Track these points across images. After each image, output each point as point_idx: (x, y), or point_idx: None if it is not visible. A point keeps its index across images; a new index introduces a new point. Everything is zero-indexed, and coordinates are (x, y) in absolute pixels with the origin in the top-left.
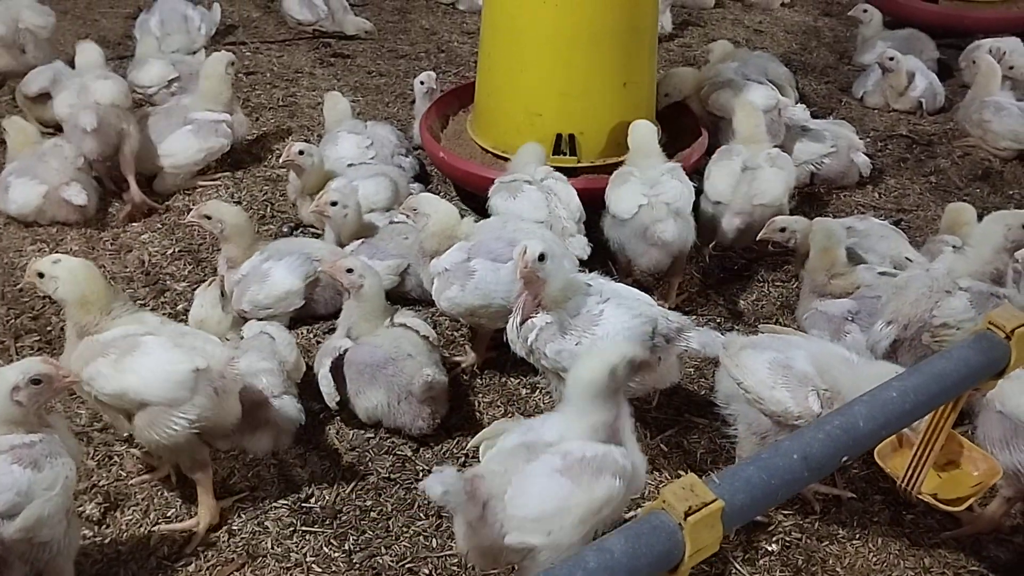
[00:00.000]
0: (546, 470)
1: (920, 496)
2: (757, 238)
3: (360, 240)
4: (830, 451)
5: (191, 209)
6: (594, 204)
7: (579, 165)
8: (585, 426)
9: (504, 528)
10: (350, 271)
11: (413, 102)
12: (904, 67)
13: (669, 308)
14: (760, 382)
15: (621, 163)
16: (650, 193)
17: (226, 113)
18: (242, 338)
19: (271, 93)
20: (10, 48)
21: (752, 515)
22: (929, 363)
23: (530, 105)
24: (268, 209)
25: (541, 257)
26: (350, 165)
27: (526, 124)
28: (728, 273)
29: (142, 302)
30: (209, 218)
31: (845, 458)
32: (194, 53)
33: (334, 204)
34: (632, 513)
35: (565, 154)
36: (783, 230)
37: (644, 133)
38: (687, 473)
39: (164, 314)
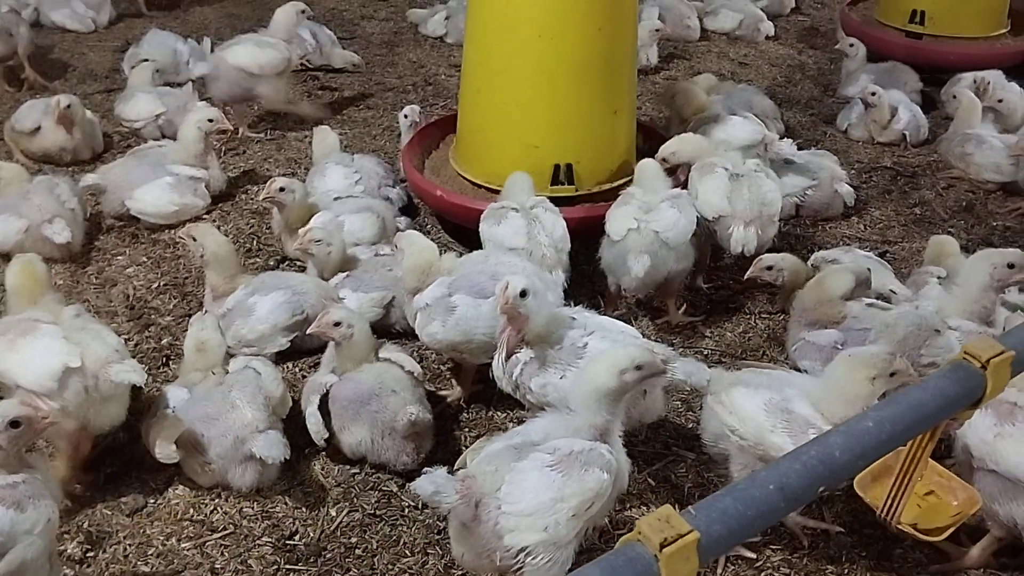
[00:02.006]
0: (536, 465)
1: (900, 526)
2: (744, 277)
3: (344, 273)
4: (807, 482)
5: (178, 242)
6: (592, 232)
7: (577, 194)
8: (576, 425)
9: (499, 526)
10: (338, 324)
11: (400, 135)
12: (886, 102)
13: (674, 324)
14: (759, 426)
15: (615, 188)
16: (642, 219)
17: (203, 169)
18: (227, 372)
19: (258, 126)
20: None
21: (729, 547)
22: (905, 393)
23: (527, 138)
24: (254, 242)
25: (523, 293)
26: (336, 199)
27: (523, 157)
28: (715, 305)
29: (126, 337)
30: (194, 239)
31: (822, 489)
32: (181, 86)
33: (318, 242)
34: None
35: (563, 184)
36: (770, 268)
37: (650, 168)
38: (686, 508)
39: (148, 349)
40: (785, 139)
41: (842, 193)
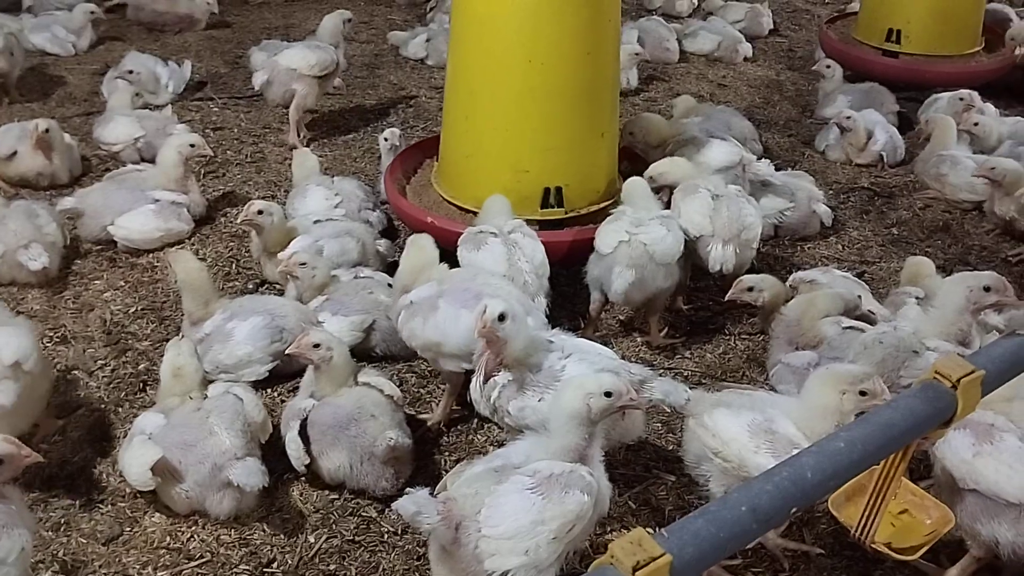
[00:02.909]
0: (517, 488)
1: (874, 545)
2: (725, 298)
3: (324, 296)
4: (779, 503)
5: (156, 266)
6: (583, 254)
7: (567, 216)
8: (554, 448)
9: (479, 549)
10: (317, 346)
11: (380, 157)
12: (861, 125)
13: (654, 345)
14: (742, 448)
15: (603, 210)
16: (632, 232)
17: (183, 194)
18: (205, 397)
19: (238, 148)
20: None
21: (702, 569)
22: (876, 413)
23: (517, 162)
24: (233, 266)
25: (501, 317)
26: (316, 221)
27: (513, 181)
28: (695, 326)
29: (103, 362)
30: (169, 265)
31: (794, 509)
32: (161, 108)
33: (303, 265)
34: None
35: (553, 206)
36: (751, 289)
37: (638, 186)
38: (658, 530)
39: (125, 374)
40: (763, 160)
41: (820, 213)
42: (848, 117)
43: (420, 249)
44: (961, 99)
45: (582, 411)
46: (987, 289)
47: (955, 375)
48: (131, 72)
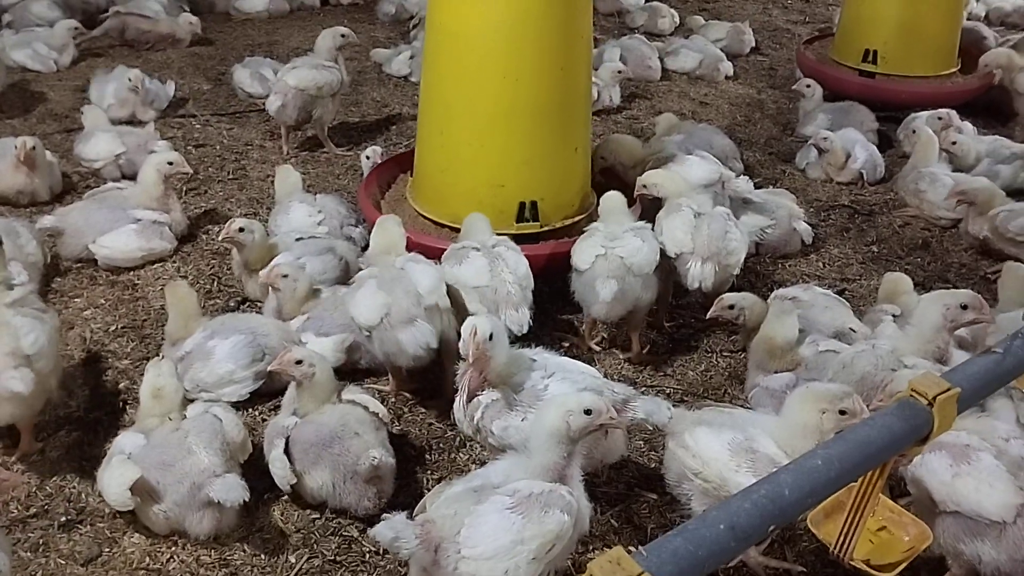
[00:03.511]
0: (496, 508)
1: (852, 562)
2: (707, 316)
3: (305, 315)
4: (757, 521)
5: (137, 283)
6: (559, 268)
7: (542, 230)
8: (534, 466)
9: (458, 570)
10: (299, 362)
11: (363, 174)
12: (838, 145)
13: (635, 361)
14: (723, 467)
15: (578, 223)
16: (608, 246)
17: (165, 213)
18: (184, 417)
19: (221, 166)
20: None
21: None
22: (853, 431)
23: (493, 177)
24: (215, 284)
25: (491, 336)
26: (298, 239)
27: (488, 195)
28: (677, 343)
29: (83, 381)
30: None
31: (772, 527)
32: (143, 124)
33: (284, 277)
34: None
35: (528, 220)
36: (732, 307)
37: (615, 200)
38: (637, 549)
39: (105, 393)
40: (742, 176)
41: (800, 231)
42: (825, 138)
43: (385, 230)
44: (940, 118)
45: (561, 429)
46: (964, 307)
47: (931, 392)
48: (131, 80)
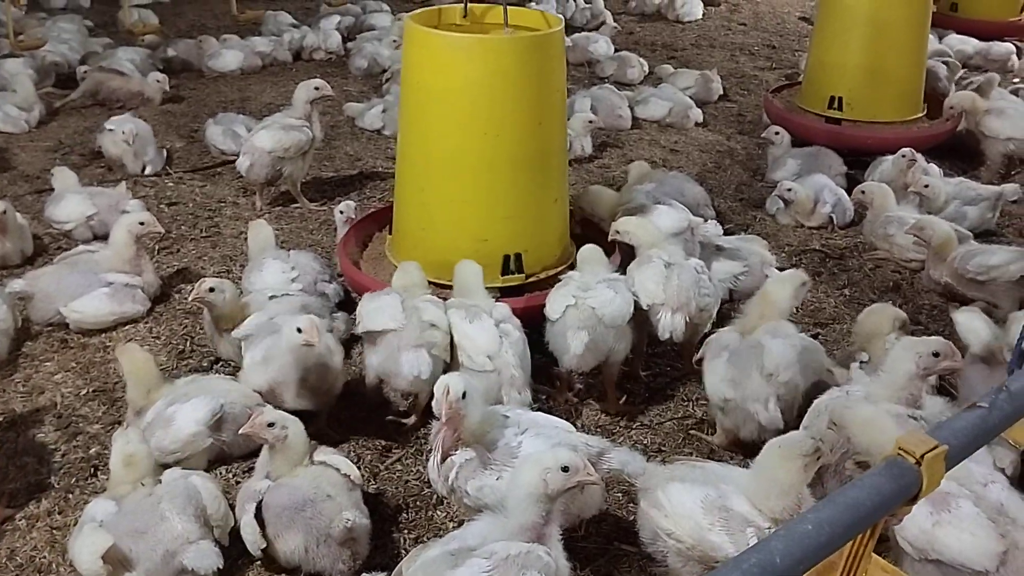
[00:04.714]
0: (474, 571)
1: None
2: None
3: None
4: None
5: (108, 346)
6: (538, 319)
7: (527, 281)
8: (512, 527)
9: None
10: (271, 425)
11: (336, 229)
12: (803, 194)
13: (611, 411)
14: (696, 525)
15: (560, 274)
16: (580, 296)
17: (137, 275)
18: (158, 482)
19: (194, 223)
20: None
21: None
22: (842, 493)
23: (476, 232)
24: (187, 343)
25: (464, 395)
26: (272, 297)
27: (473, 250)
28: (653, 393)
29: (53, 447)
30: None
31: None
32: (115, 184)
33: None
34: None
35: (514, 273)
36: None
37: (592, 251)
38: None
39: (76, 459)
40: (711, 222)
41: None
42: (789, 189)
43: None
44: (904, 156)
45: (539, 488)
46: (936, 355)
47: (919, 451)
48: (124, 133)
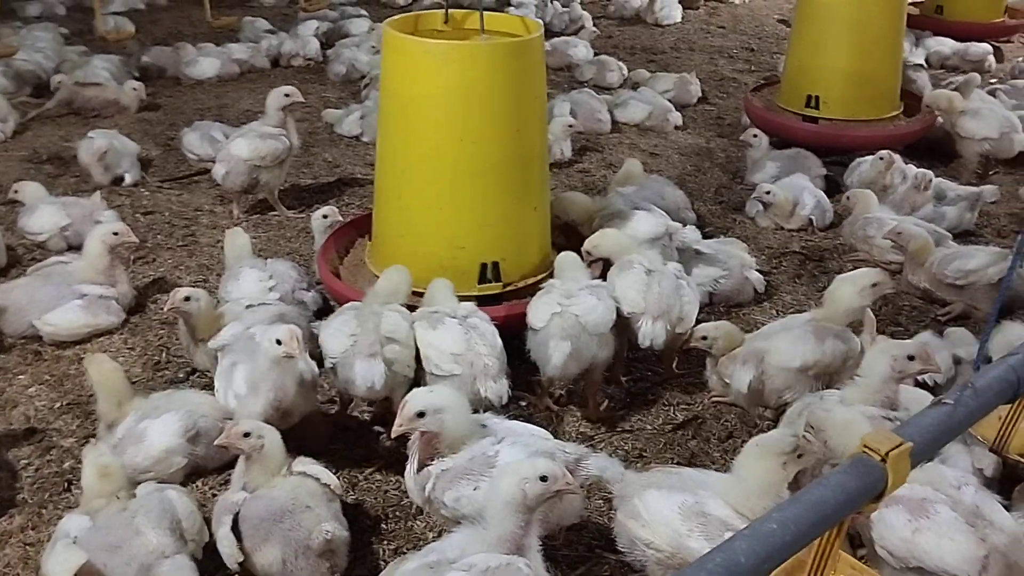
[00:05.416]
0: None
1: None
2: (682, 347)
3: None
4: None
5: (82, 357)
6: (519, 327)
7: (505, 290)
8: (490, 538)
9: None
10: (247, 435)
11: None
12: (782, 196)
13: (592, 418)
14: (675, 532)
15: (538, 282)
16: (564, 303)
17: (111, 287)
18: (133, 496)
19: (170, 232)
20: None
21: None
22: (807, 491)
23: (454, 239)
24: (163, 354)
25: (420, 414)
26: (248, 306)
27: (450, 258)
28: (633, 398)
29: (26, 461)
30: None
31: None
32: (89, 194)
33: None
34: None
35: (491, 281)
36: (704, 338)
37: (570, 259)
38: None
39: (49, 473)
40: (689, 227)
41: (752, 280)
42: (767, 192)
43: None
44: (881, 159)
45: (518, 497)
46: (911, 358)
47: (883, 448)
48: (94, 150)
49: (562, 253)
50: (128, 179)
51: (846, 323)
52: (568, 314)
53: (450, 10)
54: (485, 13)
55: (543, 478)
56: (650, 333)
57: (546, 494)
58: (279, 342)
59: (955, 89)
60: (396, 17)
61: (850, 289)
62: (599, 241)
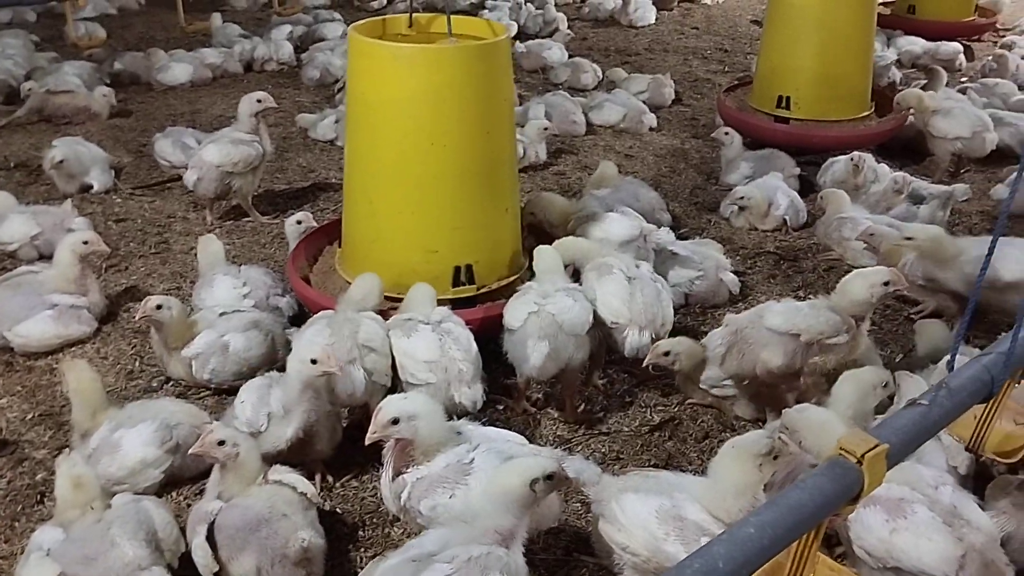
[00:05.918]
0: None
1: None
2: (643, 364)
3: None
4: None
5: (55, 367)
6: (496, 330)
7: (479, 292)
8: (480, 528)
9: None
10: (222, 443)
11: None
12: (757, 198)
13: (569, 420)
14: (651, 536)
15: (512, 284)
16: (540, 303)
17: (82, 296)
18: (109, 507)
19: (142, 240)
20: None
21: None
22: (784, 495)
23: (426, 243)
24: (136, 363)
25: (394, 420)
26: (222, 314)
27: (423, 262)
28: (611, 400)
29: None
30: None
31: None
32: (60, 202)
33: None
34: None
35: (465, 284)
36: (667, 353)
37: (549, 256)
38: None
39: (22, 486)
40: (663, 228)
41: (727, 281)
42: (742, 196)
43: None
44: (852, 160)
45: (526, 495)
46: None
47: (860, 450)
48: (62, 163)
49: (540, 248)
50: (97, 186)
51: (850, 315)
52: (545, 313)
53: (415, 14)
54: (452, 17)
55: (549, 478)
56: (637, 343)
57: (551, 491)
58: (314, 362)
59: (925, 87)
60: (362, 21)
61: (861, 283)
62: (564, 247)
